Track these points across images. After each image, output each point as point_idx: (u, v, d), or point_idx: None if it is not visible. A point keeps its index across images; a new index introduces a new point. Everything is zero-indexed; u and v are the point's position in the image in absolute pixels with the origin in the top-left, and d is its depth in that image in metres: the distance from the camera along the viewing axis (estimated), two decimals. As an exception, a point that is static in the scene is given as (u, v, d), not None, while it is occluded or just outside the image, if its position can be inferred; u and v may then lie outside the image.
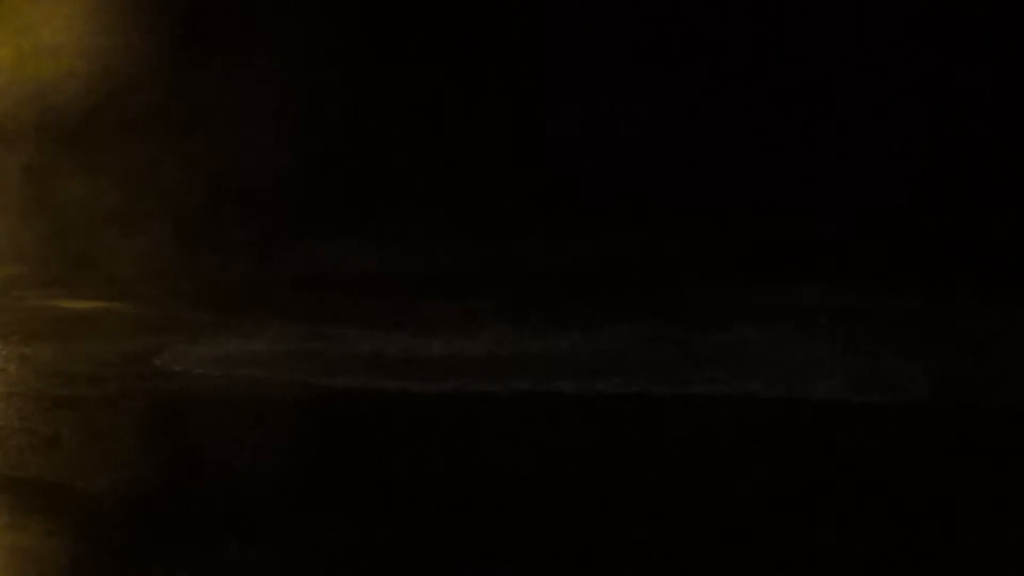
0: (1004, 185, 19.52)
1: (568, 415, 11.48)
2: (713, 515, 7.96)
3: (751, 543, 7.36)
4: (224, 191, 28.28)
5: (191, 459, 9.75)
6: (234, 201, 29.43)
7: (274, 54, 24.53)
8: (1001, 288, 16.24)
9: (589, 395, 11.98)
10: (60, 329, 18.24)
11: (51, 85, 25.47)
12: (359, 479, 9.11)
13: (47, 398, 12.25)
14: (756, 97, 21.12)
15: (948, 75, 20.10)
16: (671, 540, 7.41)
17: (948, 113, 19.91)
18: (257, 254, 26.09)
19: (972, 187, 19.51)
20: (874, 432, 10.52)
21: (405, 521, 7.89)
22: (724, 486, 8.73)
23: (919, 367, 12.31)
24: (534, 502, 8.32)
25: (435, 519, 7.94)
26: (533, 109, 23.45)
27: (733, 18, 21.21)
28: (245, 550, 7.18)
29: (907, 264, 17.81)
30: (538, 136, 23.39)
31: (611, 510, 8.11)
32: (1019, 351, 13.17)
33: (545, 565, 7.09)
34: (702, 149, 21.47)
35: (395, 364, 13.77)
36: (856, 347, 13.42)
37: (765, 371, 12.52)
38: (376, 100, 25.47)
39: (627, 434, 10.70)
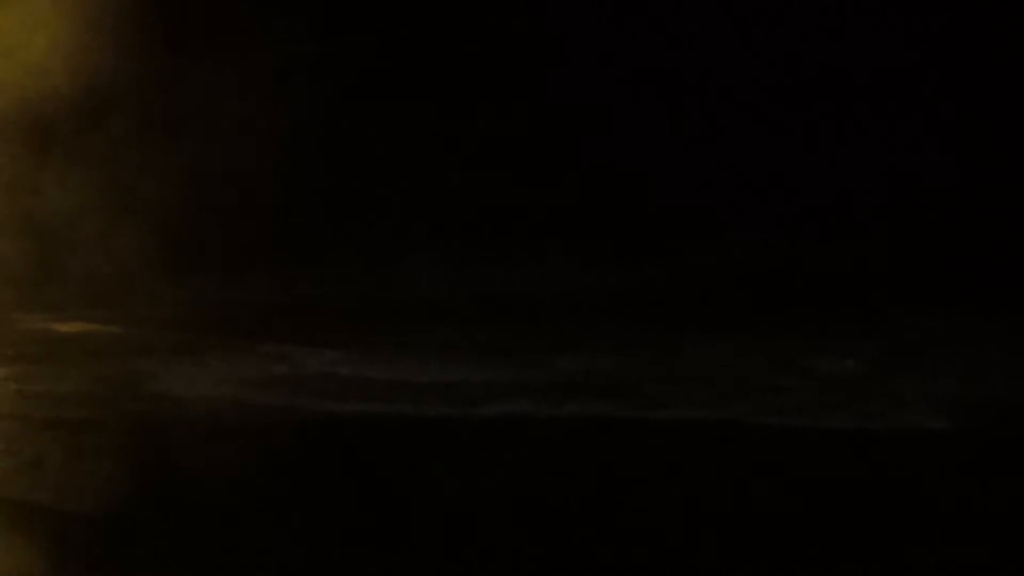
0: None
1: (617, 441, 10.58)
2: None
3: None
4: (210, 211, 28.01)
5: (180, 484, 9.11)
6: (221, 222, 29.21)
7: (264, 71, 24.00)
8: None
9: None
10: (47, 350, 17.53)
11: (36, 104, 24.91)
12: (370, 510, 8.38)
13: (33, 420, 11.48)
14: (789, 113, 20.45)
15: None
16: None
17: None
18: (249, 277, 25.70)
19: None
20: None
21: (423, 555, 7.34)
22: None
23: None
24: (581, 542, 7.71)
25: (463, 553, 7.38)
26: (560, 122, 22.86)
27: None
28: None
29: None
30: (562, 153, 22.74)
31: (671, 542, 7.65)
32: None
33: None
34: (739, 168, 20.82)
35: (417, 389, 12.80)
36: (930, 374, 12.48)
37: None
38: (370, 112, 24.87)
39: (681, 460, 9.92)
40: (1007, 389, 11.61)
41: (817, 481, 9.02)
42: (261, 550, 7.13)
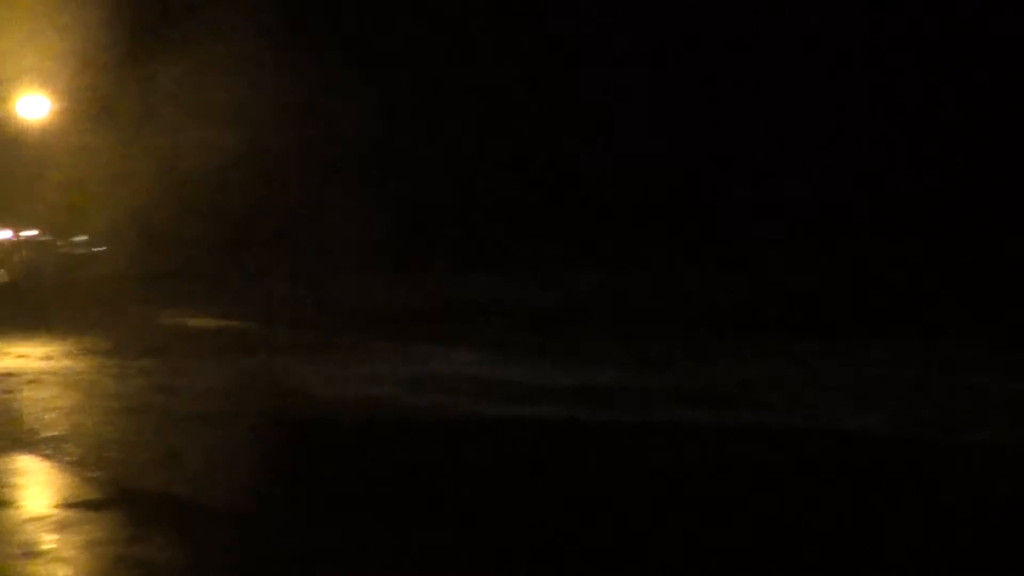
0: None
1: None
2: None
3: None
4: (340, 219, 28.93)
5: (313, 477, 8.79)
6: (350, 228, 30.01)
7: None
8: None
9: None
10: (186, 346, 17.79)
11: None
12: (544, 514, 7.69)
13: (172, 414, 11.35)
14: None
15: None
16: None
17: None
18: (377, 281, 26.31)
19: None
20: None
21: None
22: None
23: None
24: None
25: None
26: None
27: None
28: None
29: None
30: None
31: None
32: None
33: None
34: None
35: (562, 393, 12.34)
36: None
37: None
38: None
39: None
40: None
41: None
42: (401, 551, 6.91)
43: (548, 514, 7.54)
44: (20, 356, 15.99)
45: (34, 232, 39.11)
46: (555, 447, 9.92)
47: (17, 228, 37.74)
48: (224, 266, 31.55)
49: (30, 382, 13.21)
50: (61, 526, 6.91)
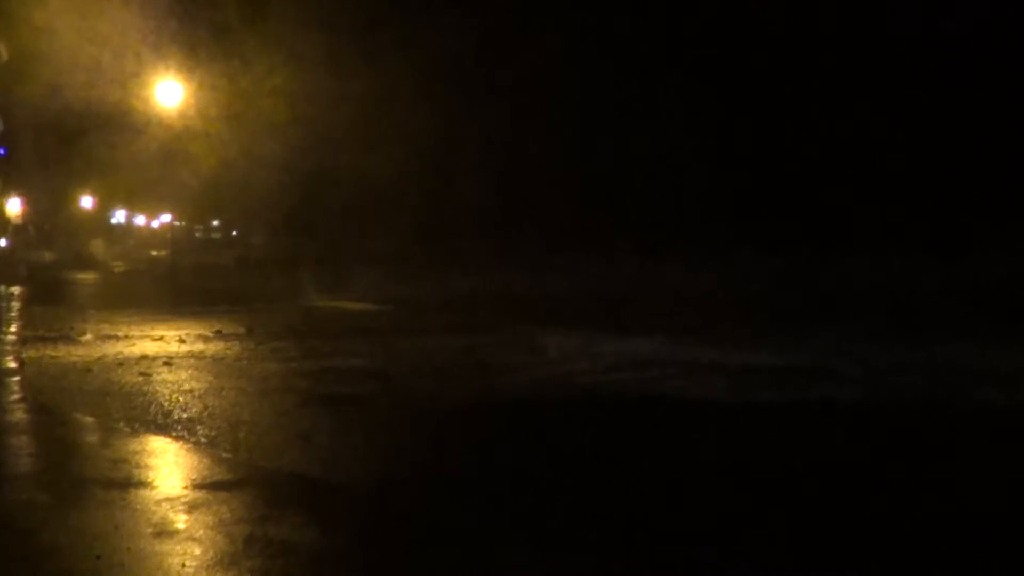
0: None
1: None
2: None
3: None
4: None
5: (441, 457, 8.69)
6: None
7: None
8: None
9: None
10: (320, 328, 17.94)
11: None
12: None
13: (309, 395, 11.32)
14: None
15: None
16: None
17: None
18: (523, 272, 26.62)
19: None
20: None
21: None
22: None
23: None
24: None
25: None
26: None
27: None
28: (503, 551, 6.28)
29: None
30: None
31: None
32: None
33: None
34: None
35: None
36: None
37: None
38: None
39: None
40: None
41: None
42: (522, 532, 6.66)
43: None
44: (156, 339, 16.17)
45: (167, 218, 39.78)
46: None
47: (175, 214, 38.76)
48: (358, 253, 31.99)
49: (165, 364, 13.31)
50: (193, 506, 6.82)
